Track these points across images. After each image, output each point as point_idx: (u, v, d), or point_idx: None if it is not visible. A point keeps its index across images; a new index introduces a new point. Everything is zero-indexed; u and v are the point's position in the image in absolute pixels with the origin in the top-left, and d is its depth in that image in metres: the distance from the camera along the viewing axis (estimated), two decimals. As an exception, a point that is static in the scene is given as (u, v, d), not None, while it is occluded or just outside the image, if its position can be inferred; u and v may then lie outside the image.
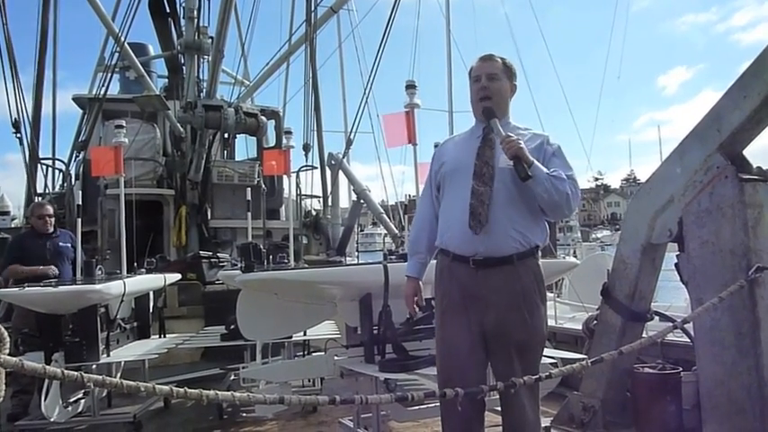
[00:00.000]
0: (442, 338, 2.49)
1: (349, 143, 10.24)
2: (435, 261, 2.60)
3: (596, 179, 76.36)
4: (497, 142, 2.41)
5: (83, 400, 4.68)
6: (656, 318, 3.73)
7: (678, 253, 3.16)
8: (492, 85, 2.50)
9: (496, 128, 2.43)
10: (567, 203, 2.38)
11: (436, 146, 6.17)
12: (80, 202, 5.33)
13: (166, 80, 11.10)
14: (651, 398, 3.35)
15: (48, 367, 1.38)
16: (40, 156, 9.56)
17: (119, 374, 5.03)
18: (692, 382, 3.23)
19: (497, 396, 2.46)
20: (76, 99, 10.65)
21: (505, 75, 2.55)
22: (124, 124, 5.32)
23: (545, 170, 2.36)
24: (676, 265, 3.17)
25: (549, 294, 6.77)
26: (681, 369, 3.38)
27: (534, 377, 1.95)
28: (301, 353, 5.22)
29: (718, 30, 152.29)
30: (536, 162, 2.35)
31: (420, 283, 2.65)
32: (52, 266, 4.93)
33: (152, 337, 5.34)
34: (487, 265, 2.36)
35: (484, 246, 2.35)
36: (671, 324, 2.60)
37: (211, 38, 9.35)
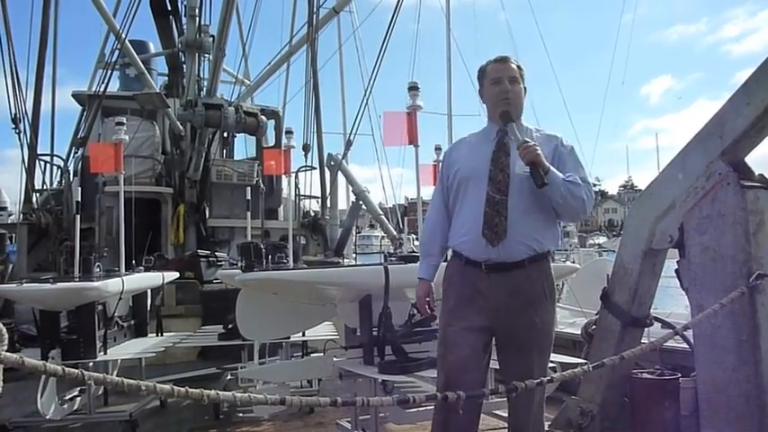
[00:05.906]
0: (447, 340, 2.44)
1: (348, 144, 10.23)
2: (446, 262, 2.59)
3: (594, 185, 76.40)
4: (513, 147, 2.41)
5: (78, 398, 4.66)
6: (654, 323, 3.73)
7: (679, 259, 3.16)
8: (513, 89, 2.50)
9: (514, 133, 2.42)
10: (582, 208, 2.41)
11: (437, 149, 6.12)
12: (79, 199, 5.30)
13: (167, 78, 11.10)
14: (649, 403, 3.34)
15: (48, 364, 1.37)
16: (39, 151, 9.55)
17: (115, 372, 5.00)
18: (691, 388, 3.22)
19: (497, 399, 2.46)
20: (76, 95, 10.63)
21: (521, 77, 2.55)
22: (125, 121, 5.31)
23: (561, 176, 2.36)
24: (677, 271, 3.17)
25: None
26: (679, 375, 3.37)
27: (536, 381, 1.95)
28: (299, 353, 5.21)
29: (708, 40, 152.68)
30: (552, 168, 2.35)
31: (432, 284, 2.62)
32: None
33: (149, 335, 5.32)
34: (500, 270, 2.37)
35: (497, 253, 2.36)
36: (670, 330, 2.60)
37: (213, 36, 9.36)
